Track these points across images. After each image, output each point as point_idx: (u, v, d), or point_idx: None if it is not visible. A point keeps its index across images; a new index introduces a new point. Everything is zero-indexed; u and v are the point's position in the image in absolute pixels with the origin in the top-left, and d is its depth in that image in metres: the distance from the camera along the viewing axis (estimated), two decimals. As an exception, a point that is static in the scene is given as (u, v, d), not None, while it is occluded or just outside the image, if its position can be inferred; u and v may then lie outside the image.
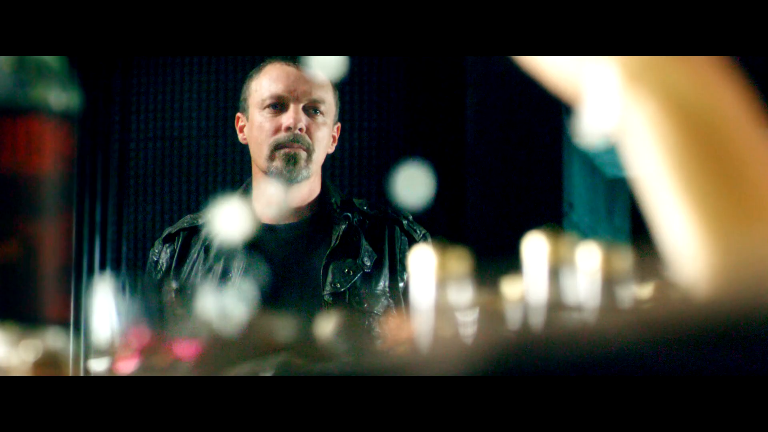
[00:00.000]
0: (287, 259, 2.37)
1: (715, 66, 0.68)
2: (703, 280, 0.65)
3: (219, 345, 1.00)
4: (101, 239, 3.73)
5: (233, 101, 3.47)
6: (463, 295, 0.91)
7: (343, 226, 2.36)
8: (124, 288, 1.03)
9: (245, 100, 2.43)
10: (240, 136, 2.46)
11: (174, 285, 1.04)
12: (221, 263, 2.35)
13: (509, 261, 0.93)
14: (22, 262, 0.88)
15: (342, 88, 2.59)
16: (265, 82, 2.38)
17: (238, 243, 2.36)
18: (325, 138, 2.38)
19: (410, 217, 2.43)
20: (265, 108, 2.37)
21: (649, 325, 0.56)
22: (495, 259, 0.96)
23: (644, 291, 0.93)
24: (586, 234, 3.90)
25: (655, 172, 0.68)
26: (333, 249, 2.33)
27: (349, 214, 2.38)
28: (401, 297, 2.34)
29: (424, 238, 2.41)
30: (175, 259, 2.42)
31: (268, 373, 0.97)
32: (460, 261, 0.91)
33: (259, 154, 2.38)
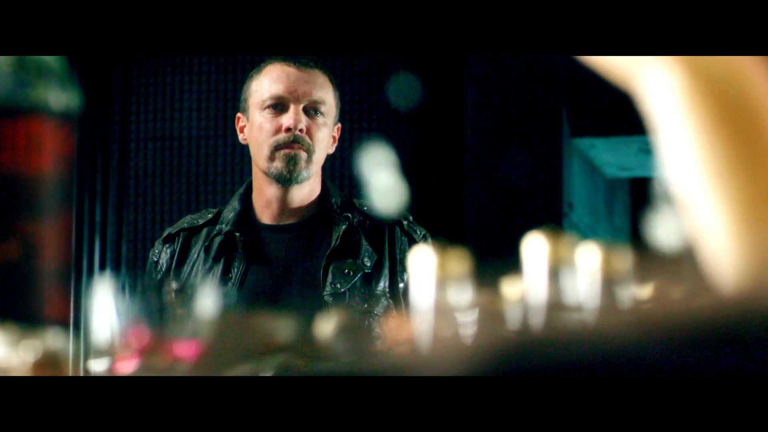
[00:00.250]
0: (287, 260, 2.36)
1: (755, 63, 0.68)
2: (736, 278, 0.65)
3: (219, 345, 1.00)
4: (101, 239, 3.73)
5: (233, 101, 3.47)
6: (463, 295, 0.91)
7: (344, 227, 2.36)
8: (123, 288, 1.02)
9: (245, 100, 2.42)
10: (240, 137, 2.46)
11: (174, 285, 1.04)
12: (221, 264, 2.35)
13: (509, 261, 0.93)
14: (22, 262, 0.88)
15: (342, 88, 2.59)
16: (266, 83, 2.38)
17: (239, 243, 2.36)
18: (325, 139, 2.38)
19: (410, 218, 2.43)
20: (265, 108, 2.37)
21: (649, 325, 0.56)
22: (495, 259, 0.96)
23: (644, 291, 0.93)
24: (585, 234, 3.90)
25: (692, 171, 0.67)
26: (333, 249, 2.33)
27: (350, 215, 2.38)
28: (401, 297, 2.34)
29: (425, 239, 2.41)
30: (175, 259, 2.42)
31: (268, 374, 0.97)
32: (460, 261, 0.91)
33: (259, 154, 2.38)
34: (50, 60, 0.91)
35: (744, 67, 0.68)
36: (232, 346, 1.00)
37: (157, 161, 3.75)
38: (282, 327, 1.02)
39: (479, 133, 3.60)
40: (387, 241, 2.38)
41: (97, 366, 1.02)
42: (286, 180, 2.35)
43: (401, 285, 2.35)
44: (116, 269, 3.69)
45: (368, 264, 2.33)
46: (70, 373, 0.90)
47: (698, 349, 0.54)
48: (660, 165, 0.71)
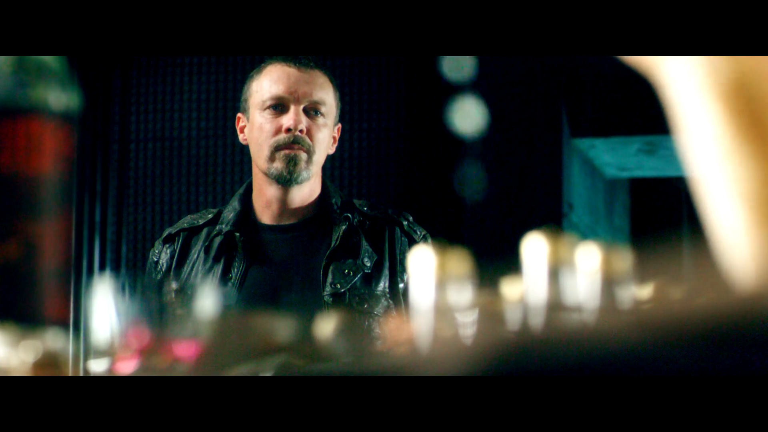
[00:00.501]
0: (287, 260, 2.36)
1: None
2: (753, 275, 0.65)
3: (219, 345, 1.00)
4: (101, 240, 3.73)
5: (233, 102, 3.47)
6: (463, 295, 0.91)
7: (344, 227, 2.36)
8: (123, 288, 1.02)
9: (246, 100, 2.43)
10: (240, 137, 2.46)
11: (174, 285, 1.04)
12: (221, 264, 2.35)
13: (509, 261, 0.94)
14: (22, 263, 0.88)
15: (342, 88, 2.59)
16: (266, 83, 2.38)
17: (239, 244, 2.36)
18: (325, 139, 2.38)
19: (410, 218, 2.43)
20: (265, 109, 2.37)
21: (649, 325, 0.56)
22: (495, 259, 0.96)
23: (644, 291, 0.93)
24: (585, 234, 3.90)
25: (713, 167, 0.67)
26: (333, 250, 2.33)
27: (350, 215, 2.38)
28: (401, 298, 2.34)
29: (425, 239, 2.41)
30: (175, 259, 2.42)
31: (268, 374, 0.97)
32: (460, 262, 0.91)
33: (259, 155, 2.38)
34: (50, 60, 0.91)
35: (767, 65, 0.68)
36: (232, 347, 1.00)
37: (157, 161, 3.75)
38: (282, 327, 1.02)
39: (479, 133, 3.60)
40: (387, 242, 2.38)
41: (97, 366, 1.02)
42: (286, 180, 2.35)
43: (401, 285, 2.35)
44: (116, 269, 3.70)
45: (368, 264, 2.34)
46: (70, 373, 0.90)
47: (698, 349, 0.54)
48: (682, 161, 0.71)
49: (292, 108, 2.35)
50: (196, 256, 2.40)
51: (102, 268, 3.71)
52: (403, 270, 2.34)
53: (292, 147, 2.34)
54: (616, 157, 4.07)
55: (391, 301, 2.33)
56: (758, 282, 0.64)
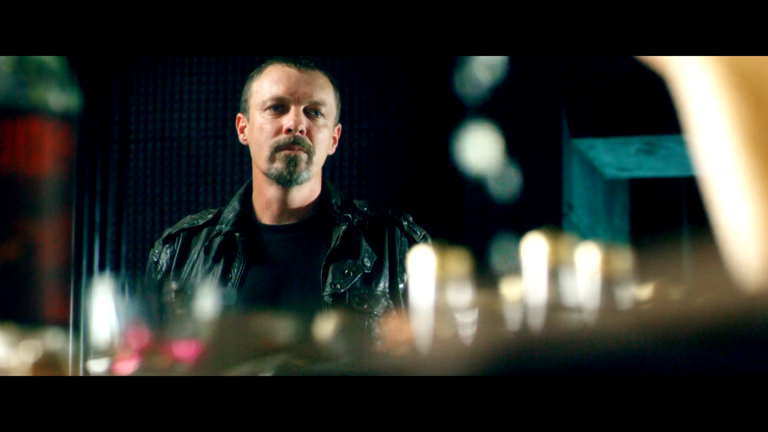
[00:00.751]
0: (287, 260, 2.36)
1: None
2: (761, 274, 0.65)
3: (219, 346, 1.00)
4: (101, 240, 3.73)
5: (233, 102, 3.47)
6: (463, 295, 0.91)
7: (344, 227, 2.36)
8: (123, 289, 1.02)
9: (246, 101, 2.42)
10: (240, 137, 2.46)
11: (174, 286, 1.04)
12: (221, 264, 2.35)
13: (509, 262, 0.93)
14: (22, 263, 0.88)
15: (342, 88, 2.59)
16: (266, 84, 2.38)
17: (238, 244, 2.36)
18: (325, 140, 2.38)
19: (410, 218, 2.43)
20: (265, 109, 2.37)
21: (649, 325, 0.56)
22: (495, 259, 0.96)
23: (643, 292, 0.93)
24: (585, 235, 3.90)
25: (726, 166, 0.67)
26: (333, 250, 2.33)
27: (350, 215, 2.38)
28: (401, 298, 2.34)
29: (425, 239, 2.41)
30: (175, 259, 2.42)
31: (268, 374, 0.97)
32: (460, 262, 0.91)
33: (259, 155, 2.38)
34: (50, 60, 0.91)
35: None
36: (232, 347, 1.00)
37: (157, 161, 3.75)
38: (281, 327, 1.02)
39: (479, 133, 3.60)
40: (387, 242, 2.38)
41: (97, 366, 1.02)
42: (286, 181, 2.35)
43: (401, 285, 2.35)
44: (116, 269, 3.69)
45: (368, 264, 2.34)
46: (70, 373, 0.90)
47: (698, 349, 0.54)
48: (690, 160, 0.71)
49: (293, 108, 2.35)
50: (196, 256, 2.40)
51: (102, 268, 3.71)
52: (403, 270, 2.34)
53: (292, 147, 2.34)
54: (615, 158, 4.07)
55: (391, 302, 2.33)
56: (762, 282, 0.64)
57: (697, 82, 0.69)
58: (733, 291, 0.61)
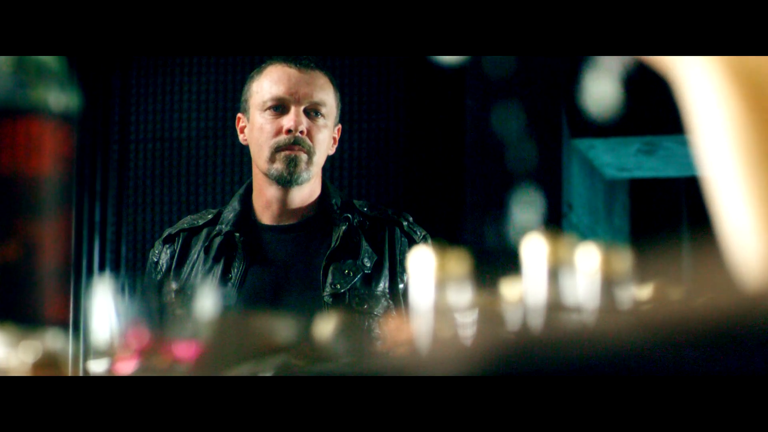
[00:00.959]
0: (287, 261, 2.36)
1: None
2: (761, 275, 0.65)
3: (219, 346, 1.00)
4: (100, 240, 3.73)
5: (233, 102, 3.47)
6: (463, 296, 0.91)
7: (344, 227, 2.36)
8: (123, 289, 1.02)
9: (246, 101, 2.42)
10: (240, 137, 2.45)
11: (174, 286, 1.04)
12: (221, 264, 2.35)
13: (509, 262, 0.93)
14: (22, 263, 0.88)
15: (342, 88, 2.59)
16: (266, 84, 2.38)
17: (238, 244, 2.36)
18: (325, 140, 2.38)
19: (410, 219, 2.43)
20: (266, 110, 2.37)
21: (649, 325, 0.56)
22: (495, 259, 0.96)
23: (643, 292, 0.93)
24: (585, 235, 3.90)
25: (730, 165, 0.67)
26: (333, 250, 2.33)
27: (350, 215, 2.38)
28: (401, 298, 2.34)
29: (425, 240, 2.41)
30: (175, 260, 2.42)
31: (268, 374, 0.97)
32: (460, 262, 0.91)
33: (259, 155, 2.38)
34: (50, 60, 0.91)
35: None
36: (232, 347, 1.00)
37: (157, 161, 3.75)
38: (281, 327, 1.02)
39: (479, 133, 3.60)
40: (387, 242, 2.38)
41: (97, 366, 1.02)
42: (286, 181, 2.35)
43: (401, 286, 2.35)
44: (116, 270, 3.69)
45: (368, 265, 2.33)
46: (70, 374, 0.90)
47: (698, 350, 0.54)
48: (693, 160, 0.71)
49: (293, 109, 2.35)
50: (196, 256, 2.40)
51: (102, 268, 3.71)
52: (403, 270, 2.34)
53: (292, 148, 2.34)
54: (615, 158, 4.07)
55: (391, 302, 2.33)
56: (762, 282, 0.64)
57: (698, 83, 0.69)
58: (733, 291, 0.61)
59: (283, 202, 2.38)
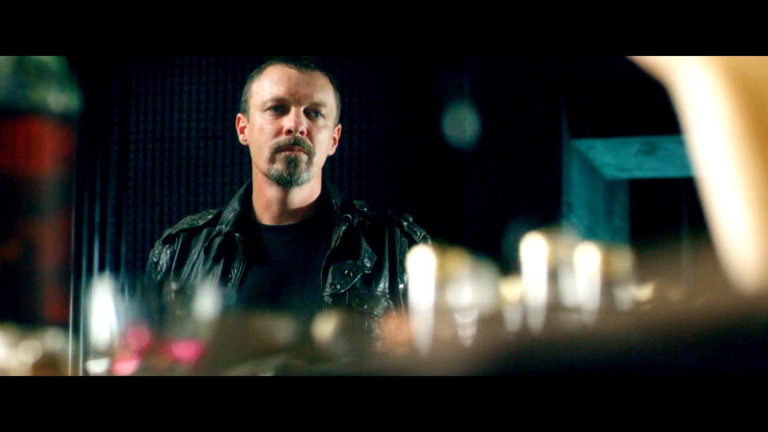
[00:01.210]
0: (287, 261, 2.36)
1: None
2: (758, 276, 0.65)
3: (218, 346, 1.00)
4: (100, 240, 3.73)
5: (233, 102, 3.47)
6: (463, 296, 0.91)
7: (344, 228, 2.36)
8: (123, 289, 1.02)
9: (246, 101, 2.42)
10: (240, 137, 2.46)
11: (174, 286, 1.04)
12: (221, 264, 2.35)
13: (509, 262, 0.93)
14: (22, 263, 0.88)
15: (342, 88, 2.59)
16: (267, 84, 2.38)
17: (238, 244, 2.36)
18: (325, 141, 2.38)
19: (410, 219, 2.43)
20: (266, 110, 2.37)
21: (649, 326, 0.56)
22: (495, 260, 0.96)
23: (643, 292, 0.93)
24: (585, 235, 3.91)
25: (726, 166, 0.67)
26: (333, 250, 2.33)
27: (350, 216, 2.38)
28: (401, 298, 2.34)
29: (424, 240, 2.41)
30: (175, 260, 2.42)
31: (268, 374, 0.97)
32: (460, 262, 0.91)
33: (259, 156, 2.38)
34: (49, 60, 0.91)
35: None
36: (232, 347, 1.00)
37: (157, 162, 3.75)
38: (281, 328, 1.02)
39: (479, 133, 3.60)
40: (387, 242, 2.38)
41: (97, 367, 1.02)
42: (286, 182, 2.35)
43: (401, 286, 2.35)
44: (116, 270, 3.69)
45: (368, 265, 2.34)
46: (70, 374, 0.90)
47: (698, 350, 0.54)
48: (689, 161, 0.71)
49: (293, 109, 2.35)
50: (196, 256, 2.40)
51: (101, 268, 3.71)
52: (403, 271, 2.34)
53: (292, 149, 2.34)
54: (615, 158, 4.08)
55: (391, 302, 2.33)
56: (760, 283, 0.64)
57: (696, 84, 0.69)
58: (733, 292, 0.61)
59: (283, 202, 2.38)
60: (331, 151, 2.43)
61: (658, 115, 3.61)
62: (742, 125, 0.67)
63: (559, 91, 3.63)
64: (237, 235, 2.36)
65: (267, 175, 2.36)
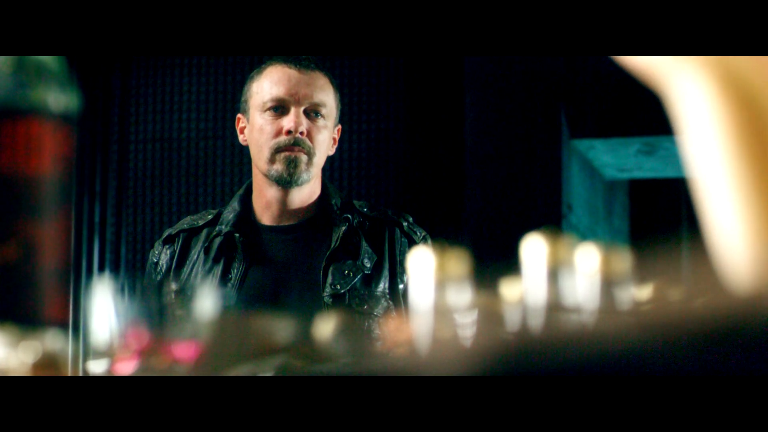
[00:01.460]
0: (287, 261, 2.36)
1: None
2: (752, 278, 0.65)
3: (218, 346, 1.00)
4: (100, 240, 3.73)
5: (233, 102, 3.47)
6: (463, 296, 0.91)
7: (343, 228, 2.36)
8: (123, 289, 1.02)
9: (246, 101, 2.42)
10: (240, 138, 2.45)
11: (173, 286, 1.04)
12: (221, 265, 2.35)
13: (509, 262, 0.93)
14: (22, 263, 0.88)
15: (342, 89, 2.59)
16: (267, 85, 2.38)
17: (238, 245, 2.36)
18: (325, 141, 2.38)
19: (410, 219, 2.43)
20: (266, 110, 2.37)
21: (648, 326, 0.56)
22: (495, 260, 0.96)
23: (643, 292, 0.93)
24: (584, 235, 3.91)
25: (719, 168, 0.67)
26: (333, 250, 2.33)
27: (349, 216, 2.38)
28: (401, 299, 2.34)
29: (424, 240, 2.41)
30: (174, 260, 2.42)
31: (268, 374, 0.97)
32: (460, 263, 0.91)
33: (259, 156, 2.38)
34: (49, 60, 0.91)
35: None
36: (232, 347, 1.00)
37: (157, 162, 3.75)
38: (281, 328, 1.02)
39: (479, 133, 3.60)
40: (387, 243, 2.38)
41: (97, 367, 1.02)
42: (286, 182, 2.35)
43: (401, 286, 2.35)
44: (115, 270, 3.69)
45: (368, 265, 2.33)
46: (70, 374, 0.90)
47: (697, 350, 0.54)
48: (683, 162, 0.71)
49: (293, 110, 2.35)
50: (195, 257, 2.40)
51: (101, 268, 3.71)
52: (403, 271, 2.34)
53: (292, 149, 2.34)
54: (615, 158, 4.07)
55: (390, 302, 2.33)
56: (757, 283, 0.64)
57: (689, 88, 0.69)
58: (732, 292, 0.61)
59: (283, 202, 2.38)
60: (331, 152, 2.43)
61: (658, 116, 3.60)
62: (735, 127, 0.67)
63: (558, 92, 3.63)
64: (237, 235, 2.36)
65: (267, 176, 2.36)
